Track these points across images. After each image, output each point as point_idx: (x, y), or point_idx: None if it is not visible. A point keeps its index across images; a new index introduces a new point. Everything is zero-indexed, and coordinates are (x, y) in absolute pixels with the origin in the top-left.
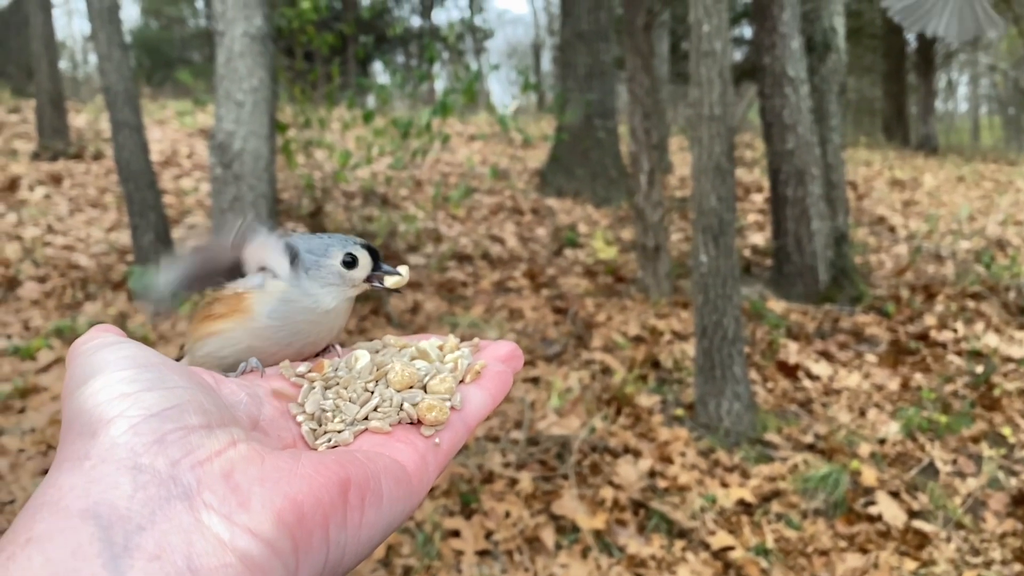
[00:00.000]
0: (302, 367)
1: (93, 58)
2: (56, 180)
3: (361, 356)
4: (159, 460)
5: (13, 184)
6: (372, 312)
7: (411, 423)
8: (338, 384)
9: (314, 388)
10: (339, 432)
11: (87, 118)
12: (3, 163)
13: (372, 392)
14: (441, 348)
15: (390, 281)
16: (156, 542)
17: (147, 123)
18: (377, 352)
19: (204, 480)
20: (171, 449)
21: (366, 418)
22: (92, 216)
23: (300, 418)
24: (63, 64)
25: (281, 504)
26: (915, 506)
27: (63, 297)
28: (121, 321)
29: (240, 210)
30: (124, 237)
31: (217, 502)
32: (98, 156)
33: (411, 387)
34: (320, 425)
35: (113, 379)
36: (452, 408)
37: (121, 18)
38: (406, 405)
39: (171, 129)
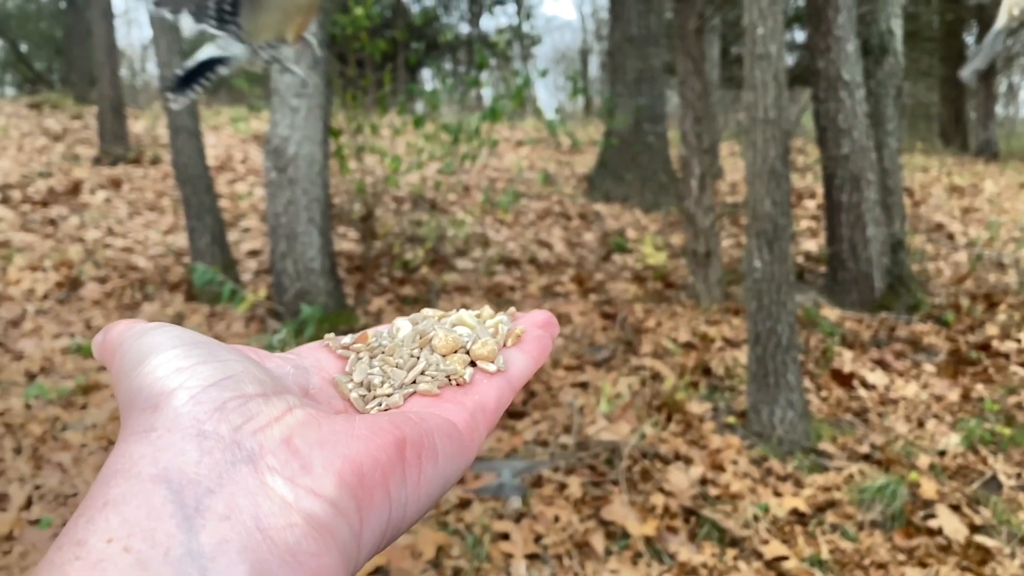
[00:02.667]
0: (346, 339)
1: (151, 66)
2: (116, 184)
3: (403, 326)
4: (222, 427)
5: (76, 188)
6: None
7: (457, 385)
8: (383, 352)
9: (360, 358)
10: (388, 396)
11: (145, 124)
12: (67, 168)
13: (418, 358)
14: (479, 316)
15: None
16: (225, 503)
17: (203, 129)
18: (417, 323)
19: (266, 445)
20: (232, 416)
21: (414, 382)
22: (150, 219)
23: (349, 386)
24: (123, 72)
25: (341, 465)
26: (977, 520)
27: (122, 298)
28: (178, 322)
29: (294, 214)
30: (181, 239)
31: (280, 465)
32: (155, 161)
33: (455, 351)
34: (369, 391)
35: (168, 356)
36: (498, 371)
37: (180, 27)
38: (451, 367)
39: (225, 135)
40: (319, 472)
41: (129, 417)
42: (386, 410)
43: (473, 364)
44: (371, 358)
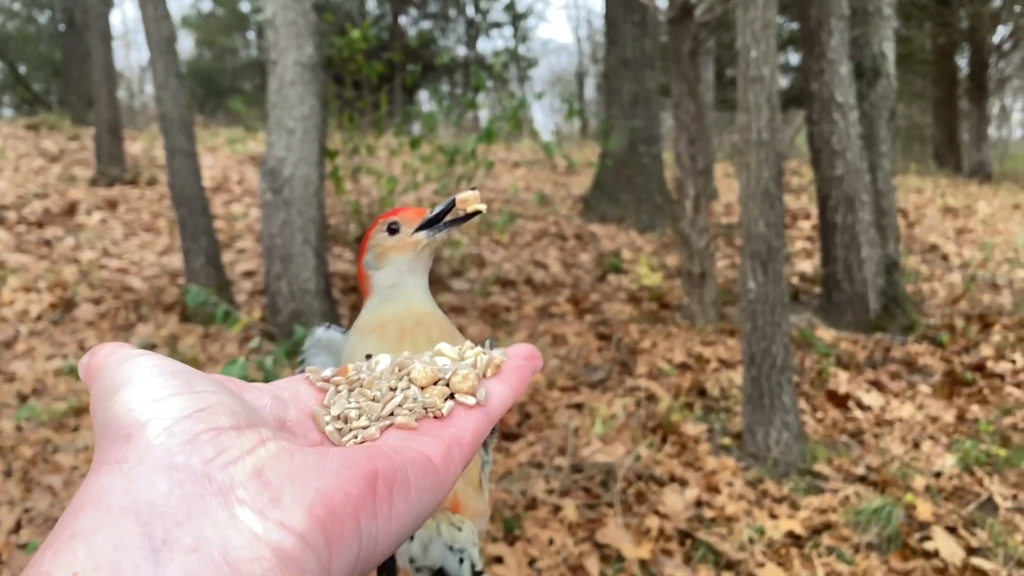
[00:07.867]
0: (327, 372)
1: (149, 88)
2: (112, 205)
3: (382, 359)
4: (193, 459)
5: (72, 209)
6: None
7: (435, 418)
8: (361, 386)
9: (340, 391)
10: (365, 428)
11: (142, 145)
12: (63, 189)
13: (395, 390)
14: (459, 348)
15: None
16: (193, 536)
17: (199, 150)
18: (397, 357)
19: (237, 477)
20: (204, 448)
21: (391, 414)
22: (145, 240)
23: (326, 419)
24: (120, 94)
25: (311, 498)
26: (973, 543)
27: (116, 319)
28: (172, 342)
29: (290, 235)
30: (176, 260)
31: (250, 498)
32: (152, 182)
33: (435, 383)
34: (346, 424)
35: (143, 387)
36: (476, 403)
37: (177, 49)
38: (429, 399)
39: (222, 156)
40: (289, 505)
41: (102, 446)
42: (362, 443)
43: (452, 396)
44: (350, 391)
